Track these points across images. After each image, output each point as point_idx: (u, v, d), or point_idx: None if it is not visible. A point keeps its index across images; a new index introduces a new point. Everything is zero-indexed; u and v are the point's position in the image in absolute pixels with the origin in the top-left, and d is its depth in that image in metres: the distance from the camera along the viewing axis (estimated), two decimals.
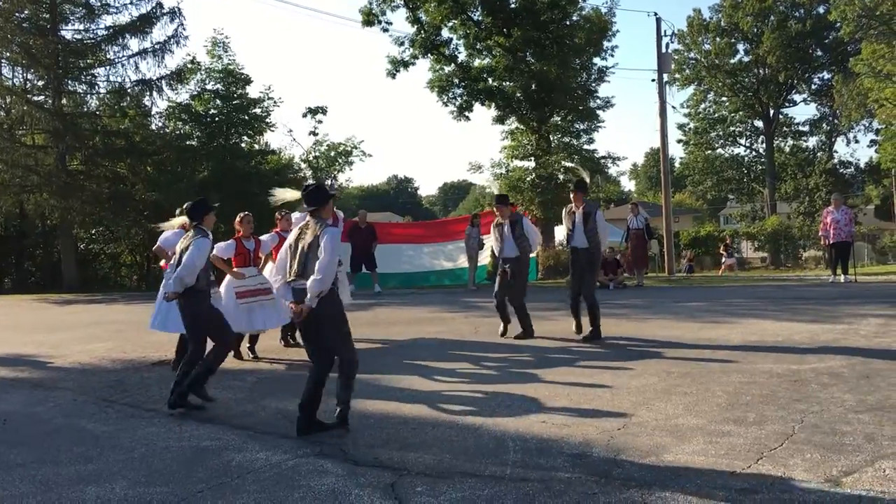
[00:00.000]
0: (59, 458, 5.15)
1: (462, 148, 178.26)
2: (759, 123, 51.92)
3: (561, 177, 25.65)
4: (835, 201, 16.85)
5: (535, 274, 18.86)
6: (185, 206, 6.88)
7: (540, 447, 4.90)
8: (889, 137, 38.29)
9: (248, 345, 9.03)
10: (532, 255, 11.77)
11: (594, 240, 9.33)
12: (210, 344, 6.49)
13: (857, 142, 68.36)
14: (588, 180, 10.00)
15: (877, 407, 5.48)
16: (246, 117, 29.55)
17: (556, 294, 15.52)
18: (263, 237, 9.16)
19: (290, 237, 5.64)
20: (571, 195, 9.69)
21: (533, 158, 26.86)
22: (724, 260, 30.18)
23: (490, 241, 10.15)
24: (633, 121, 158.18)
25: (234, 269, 8.63)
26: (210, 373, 6.39)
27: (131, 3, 26.60)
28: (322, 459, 4.86)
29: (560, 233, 25.47)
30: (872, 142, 48.51)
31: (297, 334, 10.15)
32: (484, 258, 19.06)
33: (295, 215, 9.87)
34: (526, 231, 9.77)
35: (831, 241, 16.49)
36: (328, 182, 31.15)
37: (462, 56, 27.72)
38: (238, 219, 8.93)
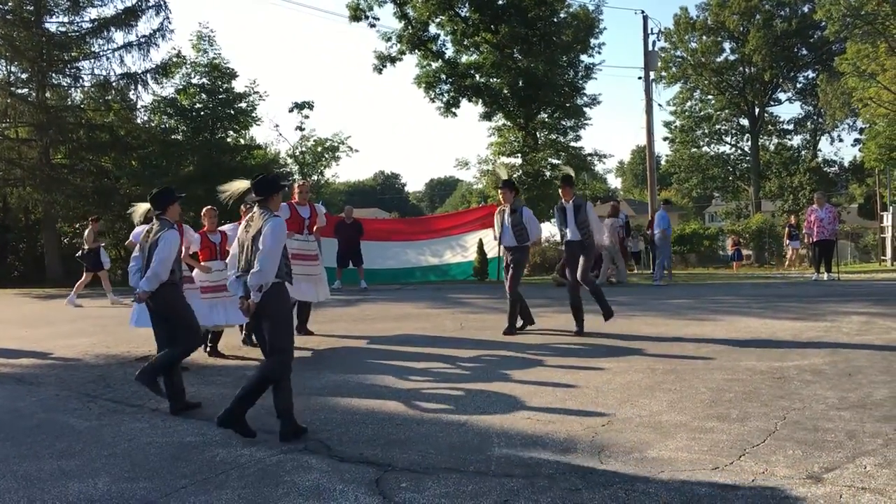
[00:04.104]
0: (42, 454, 5.12)
1: (449, 144, 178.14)
2: (744, 122, 52.28)
3: (548, 173, 25.71)
4: (818, 199, 16.95)
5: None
6: (149, 195, 6.57)
7: (524, 443, 4.92)
8: (873, 136, 38.60)
9: (209, 345, 8.84)
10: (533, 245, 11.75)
11: (586, 231, 9.46)
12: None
13: (841, 140, 69.35)
14: (573, 174, 10.06)
15: (858, 404, 5.52)
16: (231, 112, 29.46)
17: (543, 290, 15.56)
18: (226, 227, 9.15)
19: (239, 230, 5.51)
20: (560, 190, 9.74)
21: (520, 155, 26.94)
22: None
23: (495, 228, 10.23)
24: (620, 118, 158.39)
25: (202, 264, 8.62)
26: (170, 366, 6.13)
27: None
28: (306, 455, 4.85)
29: (548, 228, 25.51)
30: (856, 140, 49.01)
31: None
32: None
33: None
34: (525, 221, 9.69)
35: (815, 240, 16.61)
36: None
37: (449, 52, 27.81)
38: (203, 212, 8.89)
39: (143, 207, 6.97)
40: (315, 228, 10.12)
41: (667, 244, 17.63)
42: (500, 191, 10.09)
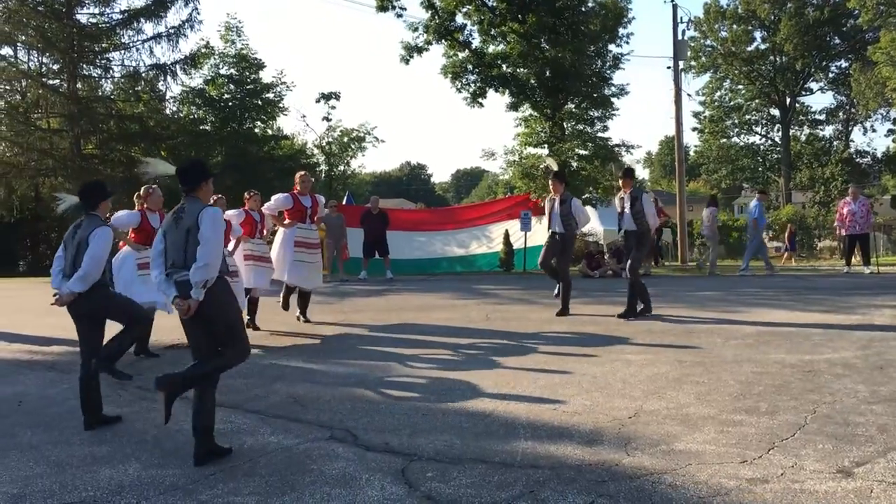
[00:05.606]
0: (73, 440, 5.20)
1: (475, 135, 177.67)
2: (774, 112, 51.60)
3: (574, 164, 25.56)
4: (853, 192, 16.64)
5: None
6: (80, 190, 5.92)
7: (550, 434, 4.91)
8: None
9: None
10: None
11: (641, 221, 10.07)
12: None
13: (874, 131, 68.17)
14: (634, 168, 10.73)
15: (890, 398, 5.44)
16: (259, 102, 29.68)
17: None
18: (231, 213, 9.37)
19: (164, 223, 4.91)
20: (620, 181, 10.72)
21: (546, 146, 26.75)
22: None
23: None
24: (648, 108, 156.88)
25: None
26: (122, 351, 5.90)
27: None
28: (333, 444, 4.88)
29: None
30: (890, 131, 48.19)
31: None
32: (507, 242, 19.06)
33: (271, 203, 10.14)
34: (574, 211, 10.34)
35: (846, 233, 16.38)
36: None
37: (476, 42, 27.65)
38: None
39: (70, 199, 6.16)
40: (316, 217, 10.39)
41: (759, 234, 17.62)
42: (550, 182, 10.77)
